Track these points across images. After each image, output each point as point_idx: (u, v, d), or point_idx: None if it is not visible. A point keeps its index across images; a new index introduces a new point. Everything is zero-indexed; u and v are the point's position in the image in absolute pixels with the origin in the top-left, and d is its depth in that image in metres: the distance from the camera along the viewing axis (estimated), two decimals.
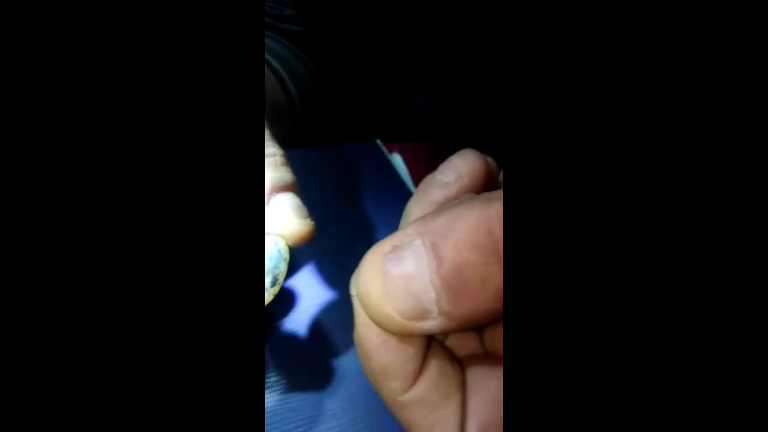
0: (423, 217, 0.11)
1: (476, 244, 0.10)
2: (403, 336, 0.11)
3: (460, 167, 0.14)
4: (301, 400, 0.21)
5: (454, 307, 0.10)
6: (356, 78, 0.48)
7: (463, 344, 0.14)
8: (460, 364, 0.13)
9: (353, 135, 0.43)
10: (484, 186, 0.14)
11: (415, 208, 0.14)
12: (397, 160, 0.39)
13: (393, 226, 0.36)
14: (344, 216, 0.32)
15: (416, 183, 0.37)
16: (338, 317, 0.25)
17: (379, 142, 0.40)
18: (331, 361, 0.23)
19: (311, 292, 0.26)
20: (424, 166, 0.39)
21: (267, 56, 0.36)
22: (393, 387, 0.12)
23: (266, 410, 0.20)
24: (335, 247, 0.29)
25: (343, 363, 0.23)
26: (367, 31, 0.46)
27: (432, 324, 0.10)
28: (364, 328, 0.11)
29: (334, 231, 0.30)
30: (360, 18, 0.45)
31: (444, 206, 0.13)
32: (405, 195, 0.35)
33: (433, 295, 0.10)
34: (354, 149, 0.39)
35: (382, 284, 0.10)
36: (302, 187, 0.35)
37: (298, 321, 0.24)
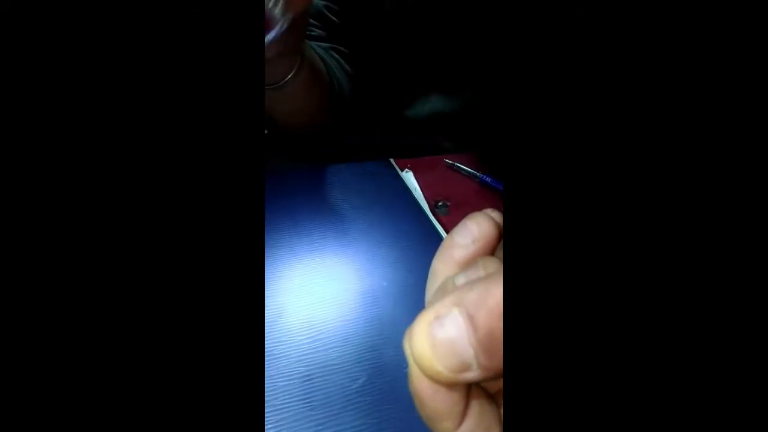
0: (458, 290, 0.13)
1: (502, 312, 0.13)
2: (450, 385, 0.14)
3: (474, 231, 0.17)
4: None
5: (489, 361, 0.13)
6: (376, 89, 0.51)
7: (492, 383, 0.16)
8: (494, 399, 0.15)
9: (369, 154, 0.45)
10: (497, 243, 0.17)
11: (440, 266, 0.17)
12: (409, 176, 0.41)
13: (401, 236, 0.37)
14: (359, 226, 0.34)
15: (426, 196, 0.38)
16: (353, 324, 0.27)
17: (392, 160, 0.42)
18: (341, 365, 0.24)
19: (326, 305, 0.28)
20: (433, 180, 0.41)
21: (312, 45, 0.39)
22: (445, 427, 0.14)
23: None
24: (351, 256, 0.31)
25: (352, 369, 0.24)
26: (390, 48, 0.49)
27: (473, 375, 0.13)
28: (418, 380, 0.14)
29: (350, 240, 0.32)
30: (388, 38, 0.48)
31: (470, 277, 0.16)
32: (414, 208, 0.37)
33: (472, 352, 0.13)
34: (369, 167, 0.41)
35: (430, 347, 0.13)
36: (322, 200, 0.37)
37: (311, 326, 0.26)
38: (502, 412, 0.15)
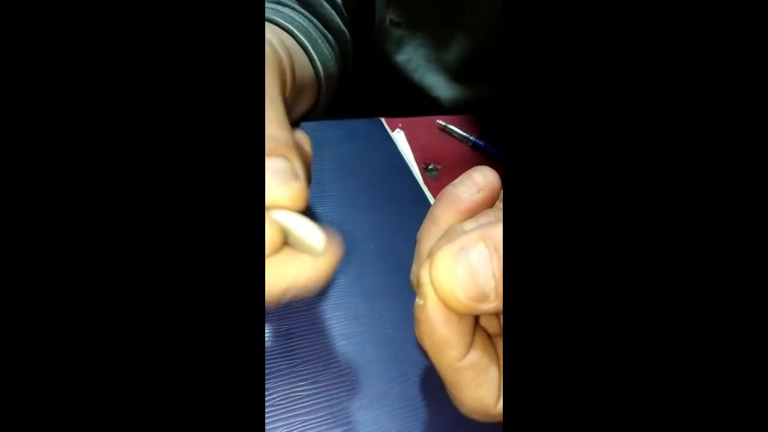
0: (482, 227, 0.14)
1: None
2: (465, 315, 0.14)
3: (480, 182, 0.18)
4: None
5: None
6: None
7: (490, 325, 0.17)
8: (492, 340, 0.16)
9: (358, 112, 0.43)
10: (498, 195, 0.18)
11: (443, 214, 0.18)
12: (401, 137, 0.39)
13: (389, 199, 0.36)
14: (346, 188, 0.33)
15: (417, 157, 0.37)
16: (334, 286, 0.26)
17: (382, 120, 0.41)
18: (326, 324, 0.24)
19: None
20: (424, 141, 0.40)
21: (292, 29, 0.36)
22: (453, 355, 0.15)
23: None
24: (337, 217, 0.30)
25: (337, 325, 0.24)
26: None
27: (489, 306, 0.13)
28: (433, 308, 0.14)
29: (336, 201, 0.31)
30: None
31: (481, 222, 0.16)
32: (404, 171, 0.36)
33: (492, 284, 0.13)
34: (358, 125, 0.40)
35: (453, 275, 0.13)
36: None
37: None
38: (499, 350, 0.16)
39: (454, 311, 0.14)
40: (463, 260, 0.13)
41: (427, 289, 0.14)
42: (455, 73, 0.50)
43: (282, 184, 0.16)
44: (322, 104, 0.41)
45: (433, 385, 0.23)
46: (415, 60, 0.50)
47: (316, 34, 0.39)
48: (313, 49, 0.37)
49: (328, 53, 0.40)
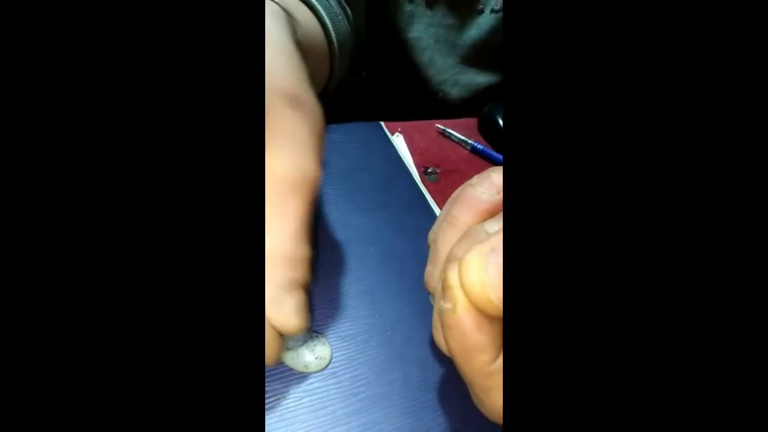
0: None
1: None
2: (496, 318, 0.14)
3: (499, 182, 0.18)
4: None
5: None
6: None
7: None
8: None
9: (358, 115, 0.43)
10: None
11: (462, 215, 0.18)
12: (400, 140, 0.39)
13: (389, 202, 0.36)
14: (346, 191, 0.33)
15: (416, 161, 0.38)
16: (335, 287, 0.26)
17: (382, 123, 0.41)
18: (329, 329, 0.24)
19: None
20: (423, 145, 0.40)
21: (317, 6, 0.34)
22: (484, 359, 0.14)
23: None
24: (337, 220, 0.30)
25: (339, 329, 0.24)
26: None
27: None
28: (464, 312, 0.14)
29: (336, 204, 0.31)
30: None
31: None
32: (404, 174, 0.36)
33: None
34: (358, 129, 0.40)
35: (486, 277, 0.13)
36: None
37: None
38: None
39: (485, 314, 0.14)
40: (495, 261, 0.13)
41: (457, 293, 0.14)
42: (465, 58, 0.50)
43: (298, 318, 0.16)
44: (334, 80, 0.40)
45: (433, 387, 0.23)
46: (425, 39, 0.50)
47: (337, 8, 0.38)
48: (332, 25, 0.35)
49: (345, 30, 0.39)
